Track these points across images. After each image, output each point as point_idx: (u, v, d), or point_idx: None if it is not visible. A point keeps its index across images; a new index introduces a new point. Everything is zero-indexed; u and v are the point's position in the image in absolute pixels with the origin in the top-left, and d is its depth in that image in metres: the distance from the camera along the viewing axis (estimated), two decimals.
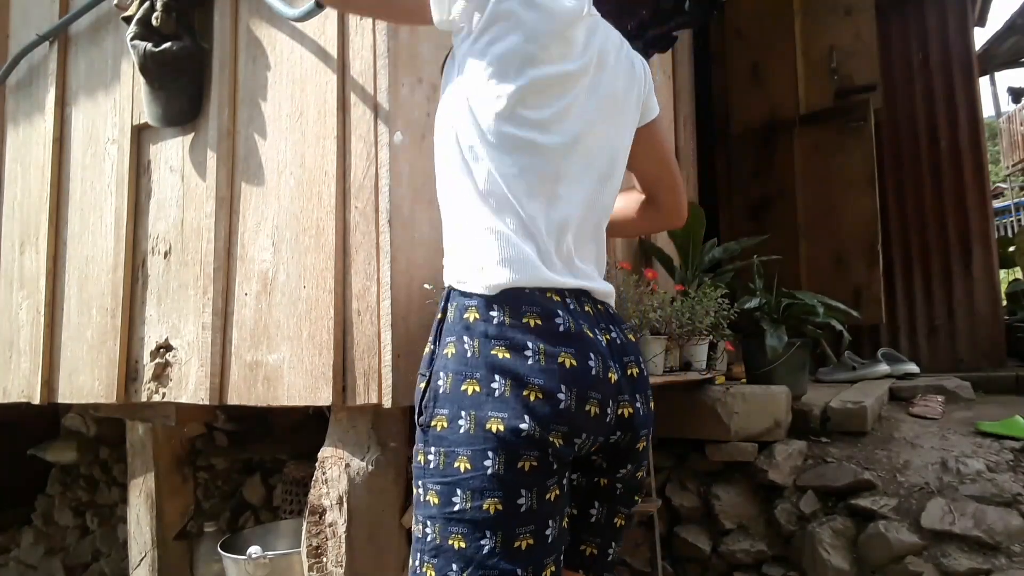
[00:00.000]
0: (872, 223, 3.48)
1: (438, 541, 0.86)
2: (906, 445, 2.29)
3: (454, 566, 0.85)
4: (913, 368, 3.28)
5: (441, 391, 0.90)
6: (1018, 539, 1.85)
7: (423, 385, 0.93)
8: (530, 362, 0.87)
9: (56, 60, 2.32)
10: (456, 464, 0.86)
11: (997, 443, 2.25)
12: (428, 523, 0.88)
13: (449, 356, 0.91)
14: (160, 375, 1.94)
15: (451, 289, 0.96)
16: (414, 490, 0.91)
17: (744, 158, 3.98)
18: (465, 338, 0.90)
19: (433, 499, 0.87)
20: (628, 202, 1.28)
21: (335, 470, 1.64)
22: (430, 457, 0.89)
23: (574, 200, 0.98)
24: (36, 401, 2.25)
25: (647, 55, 2.56)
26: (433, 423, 0.89)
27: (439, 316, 0.96)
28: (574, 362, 0.89)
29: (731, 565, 2.13)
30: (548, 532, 0.88)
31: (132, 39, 1.89)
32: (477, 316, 0.90)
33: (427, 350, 0.97)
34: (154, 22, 1.85)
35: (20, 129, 2.49)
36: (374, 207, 1.59)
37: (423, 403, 0.92)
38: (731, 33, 4.04)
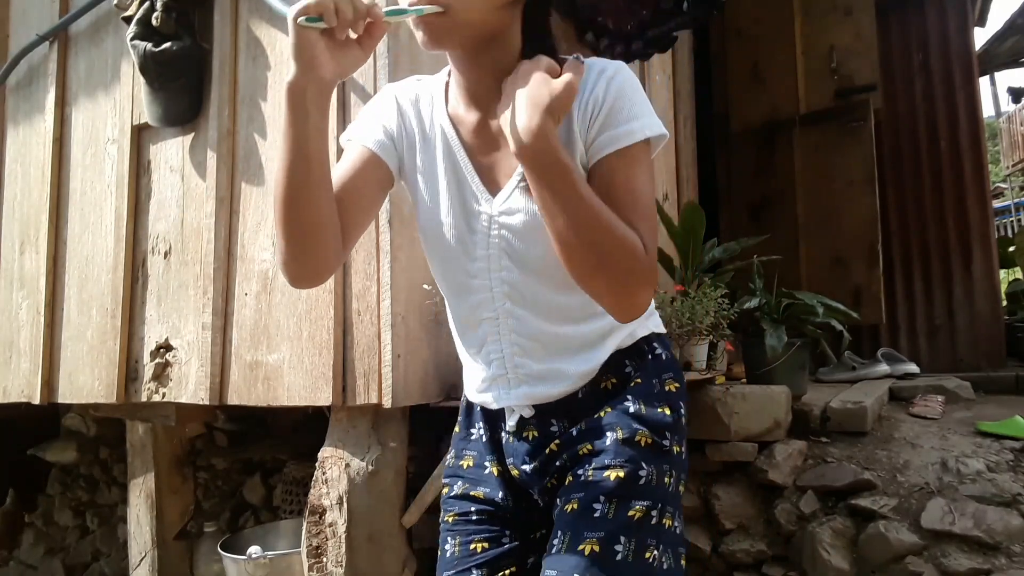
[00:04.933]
0: (872, 223, 3.48)
1: (676, 566, 0.91)
2: (906, 445, 2.29)
3: None
4: (913, 368, 3.28)
5: (684, 421, 0.99)
6: (1018, 539, 1.85)
7: (675, 416, 0.97)
8: None
9: (56, 60, 2.32)
10: (681, 488, 0.96)
11: (997, 443, 2.25)
12: (669, 551, 0.90)
13: (681, 390, 1.00)
14: (160, 375, 1.95)
15: (653, 334, 1.01)
16: (652, 514, 0.89)
17: (744, 158, 3.97)
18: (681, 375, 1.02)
19: (676, 525, 0.92)
20: None
21: (335, 470, 1.64)
22: (679, 483, 0.95)
23: None
24: (36, 401, 2.25)
25: (647, 55, 2.57)
26: (679, 450, 0.97)
27: (661, 355, 1.00)
28: None
29: (731, 565, 2.13)
30: None
31: (132, 39, 1.89)
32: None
33: (658, 384, 0.97)
34: (154, 22, 1.85)
35: (20, 129, 2.49)
36: None
37: (673, 432, 0.96)
38: (731, 33, 4.04)
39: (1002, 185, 12.46)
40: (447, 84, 0.98)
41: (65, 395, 2.21)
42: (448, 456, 1.11)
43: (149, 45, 1.85)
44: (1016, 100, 12.45)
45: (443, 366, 1.69)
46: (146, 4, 1.88)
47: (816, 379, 3.20)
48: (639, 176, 0.86)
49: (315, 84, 0.81)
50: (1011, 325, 3.95)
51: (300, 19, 0.75)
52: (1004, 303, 4.19)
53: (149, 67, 1.86)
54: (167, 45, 1.84)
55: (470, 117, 0.94)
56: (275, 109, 1.79)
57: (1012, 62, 6.46)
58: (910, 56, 3.95)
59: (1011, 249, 4.65)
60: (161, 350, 1.96)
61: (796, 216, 3.71)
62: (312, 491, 1.67)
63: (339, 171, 0.93)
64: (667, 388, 0.98)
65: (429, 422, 1.89)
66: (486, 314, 0.95)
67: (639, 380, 0.96)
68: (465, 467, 1.04)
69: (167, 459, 2.34)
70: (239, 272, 1.82)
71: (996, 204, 10.28)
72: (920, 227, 3.89)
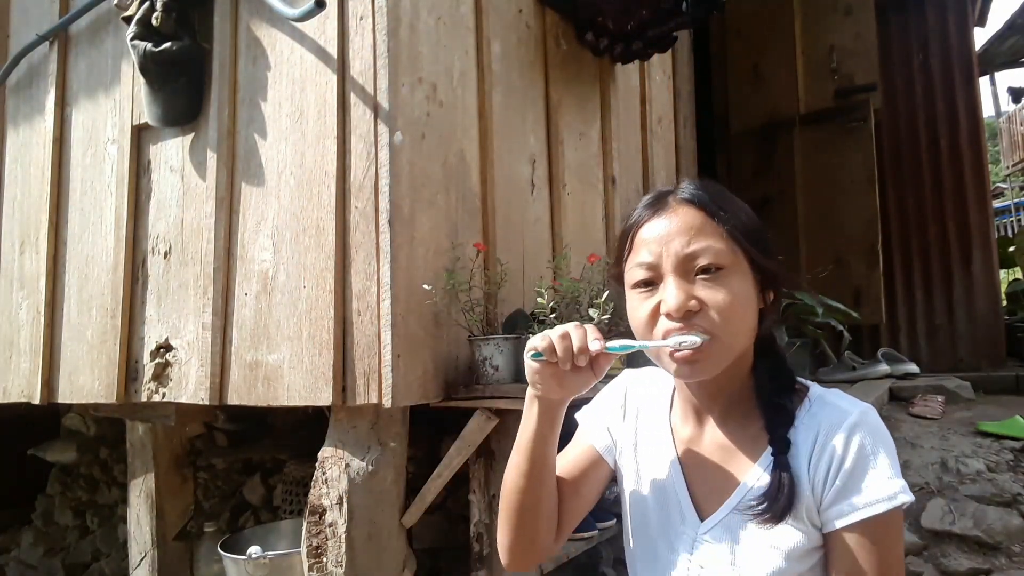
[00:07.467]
0: (872, 223, 3.48)
1: None
2: (906, 445, 2.29)
3: None
4: (913, 368, 3.28)
5: None
6: (1018, 539, 1.85)
7: None
8: None
9: (56, 60, 2.32)
10: None
11: (997, 443, 2.25)
12: None
13: None
14: (160, 375, 1.94)
15: None
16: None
17: (744, 158, 3.98)
18: None
19: None
20: None
21: (335, 470, 1.64)
22: None
23: None
24: (36, 401, 2.25)
25: (647, 55, 2.57)
26: None
27: None
28: None
29: None
30: None
31: (132, 39, 1.89)
32: None
33: None
34: (154, 22, 1.85)
35: (20, 129, 2.49)
36: (374, 207, 1.59)
37: None
38: (731, 33, 4.05)
39: (1002, 185, 12.47)
40: (675, 389, 0.99)
41: (65, 395, 2.21)
42: None
43: (149, 45, 1.85)
44: (1016, 100, 12.45)
45: (443, 366, 1.69)
46: (146, 4, 1.88)
47: (816, 379, 3.20)
48: (891, 556, 0.79)
49: (543, 402, 0.90)
50: (1011, 325, 3.95)
51: (528, 353, 0.86)
52: (1004, 303, 4.19)
53: (149, 67, 1.86)
54: (167, 45, 1.84)
55: (686, 430, 0.96)
56: (275, 109, 1.79)
57: (1012, 62, 6.46)
58: (910, 56, 3.96)
59: (1011, 249, 4.66)
60: (161, 350, 1.96)
61: (796, 216, 3.71)
62: (312, 491, 1.67)
63: (566, 463, 1.02)
64: None
65: (429, 422, 1.89)
66: None
67: None
68: None
69: (167, 459, 2.34)
70: (239, 272, 1.82)
71: (996, 204, 10.28)
72: (920, 227, 3.90)
